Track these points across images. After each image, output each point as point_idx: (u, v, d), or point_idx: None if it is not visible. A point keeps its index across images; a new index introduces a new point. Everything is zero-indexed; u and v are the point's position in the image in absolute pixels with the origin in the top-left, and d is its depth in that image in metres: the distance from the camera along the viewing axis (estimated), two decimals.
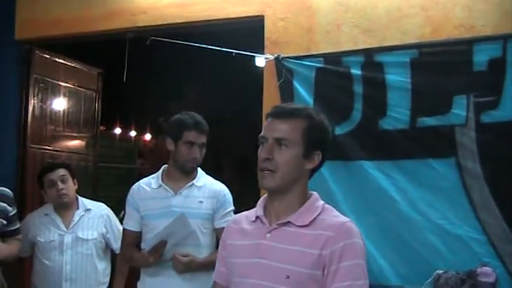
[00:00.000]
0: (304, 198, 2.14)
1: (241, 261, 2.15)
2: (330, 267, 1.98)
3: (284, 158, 2.07)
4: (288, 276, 2.00)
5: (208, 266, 3.15)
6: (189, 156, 3.25)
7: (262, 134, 2.11)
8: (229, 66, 4.75)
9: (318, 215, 2.09)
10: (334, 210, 2.15)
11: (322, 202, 2.16)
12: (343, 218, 2.09)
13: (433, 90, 3.57)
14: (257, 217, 2.18)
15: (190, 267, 3.14)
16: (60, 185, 3.88)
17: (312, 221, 2.07)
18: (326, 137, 2.18)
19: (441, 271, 3.14)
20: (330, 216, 2.10)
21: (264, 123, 2.16)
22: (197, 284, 3.22)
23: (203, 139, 3.27)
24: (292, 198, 2.12)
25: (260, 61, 4.09)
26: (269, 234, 2.10)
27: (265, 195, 2.24)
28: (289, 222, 2.08)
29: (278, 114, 2.12)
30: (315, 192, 2.19)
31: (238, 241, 2.20)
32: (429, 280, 3.14)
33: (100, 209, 4.08)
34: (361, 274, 2.00)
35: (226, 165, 7.27)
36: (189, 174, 3.32)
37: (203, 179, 3.35)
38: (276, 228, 2.10)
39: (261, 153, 2.09)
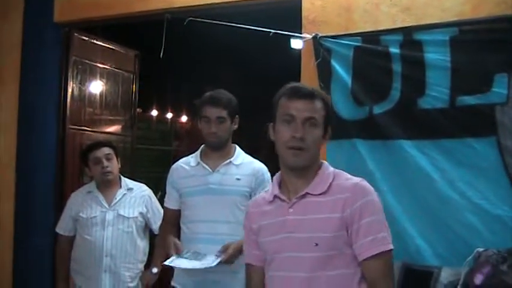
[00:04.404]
0: (317, 170, 2.26)
1: (269, 239, 2.28)
2: (352, 226, 2.13)
3: (313, 137, 2.20)
4: (317, 244, 2.13)
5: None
6: (206, 131, 3.27)
7: (288, 112, 2.21)
8: (266, 47, 4.74)
9: (332, 181, 2.21)
10: (345, 173, 2.29)
11: (332, 169, 2.30)
12: (355, 179, 2.23)
13: (473, 69, 3.50)
14: (275, 196, 2.29)
15: (237, 254, 3.11)
16: (105, 163, 3.96)
17: (328, 188, 2.19)
18: (332, 117, 2.38)
19: (481, 249, 3.10)
20: (342, 180, 2.23)
21: (283, 101, 2.25)
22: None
23: (219, 113, 3.24)
24: (309, 173, 2.24)
25: (297, 42, 4.07)
26: (291, 209, 2.22)
27: (278, 173, 2.35)
28: (306, 193, 2.21)
29: (304, 94, 2.23)
30: (324, 161, 2.32)
31: (263, 222, 2.32)
32: (469, 258, 3.10)
33: (142, 190, 4.16)
34: (381, 227, 2.15)
35: (262, 146, 7.27)
36: (217, 150, 3.32)
37: (241, 158, 3.37)
38: (296, 202, 2.22)
39: (292, 131, 2.18)
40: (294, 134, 2.16)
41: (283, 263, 2.21)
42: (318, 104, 2.22)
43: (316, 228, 2.14)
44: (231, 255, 3.07)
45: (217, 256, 3.08)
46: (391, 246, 2.14)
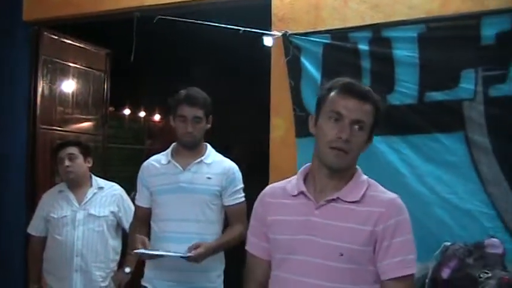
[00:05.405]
0: (352, 174, 2.14)
1: (287, 237, 2.13)
2: (381, 242, 2.02)
3: (358, 141, 2.06)
4: (342, 254, 2.01)
5: (219, 249, 3.22)
6: (182, 131, 3.24)
7: (337, 109, 2.05)
8: (238, 45, 4.74)
9: (366, 190, 2.09)
10: (379, 185, 2.16)
11: (365, 176, 2.17)
12: (391, 194, 2.12)
13: (441, 65, 3.55)
14: (300, 192, 2.16)
15: (206, 254, 3.11)
16: (67, 163, 3.94)
17: (362, 197, 2.07)
18: (380, 123, 2.17)
19: (448, 243, 3.14)
20: (378, 192, 2.12)
21: (333, 96, 2.08)
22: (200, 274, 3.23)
23: (196, 112, 3.22)
24: (344, 176, 2.11)
25: (268, 39, 4.09)
26: (317, 211, 2.09)
27: (305, 168, 2.22)
28: (338, 198, 2.08)
29: (357, 93, 2.07)
30: (358, 167, 2.18)
31: (281, 216, 2.17)
32: (436, 252, 3.15)
33: (113, 189, 4.14)
34: (411, 249, 2.06)
35: (234, 145, 7.28)
36: (191, 149, 3.30)
37: (212, 156, 3.35)
38: (324, 205, 2.09)
39: (337, 131, 2.03)
40: (340, 134, 2.01)
41: (298, 266, 2.08)
42: (369, 107, 2.07)
43: (344, 237, 2.02)
44: (200, 254, 3.04)
45: (187, 252, 3.05)
46: (415, 270, 2.08)
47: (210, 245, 3.13)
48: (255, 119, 5.30)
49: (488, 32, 3.44)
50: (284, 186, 2.23)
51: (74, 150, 3.99)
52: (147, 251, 3.07)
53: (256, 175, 4.15)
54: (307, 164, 2.23)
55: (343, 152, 2.03)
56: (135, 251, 3.11)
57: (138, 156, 9.15)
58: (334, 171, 2.09)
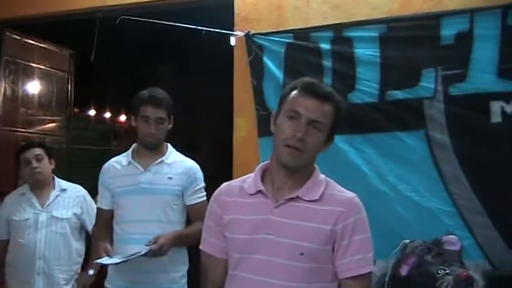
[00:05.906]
0: (310, 173, 2.13)
1: (245, 236, 2.10)
2: (341, 241, 2.02)
3: (314, 141, 2.04)
4: (302, 253, 2.00)
5: (179, 240, 3.19)
6: (145, 132, 3.22)
7: (295, 108, 2.03)
8: (202, 45, 4.74)
9: (325, 189, 2.09)
10: (336, 183, 2.16)
11: (323, 175, 2.16)
12: (349, 193, 2.12)
13: (402, 64, 3.61)
14: (258, 191, 2.13)
15: (168, 245, 3.08)
16: (35, 164, 3.89)
17: (321, 196, 2.06)
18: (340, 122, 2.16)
19: (408, 240, 3.17)
20: (336, 191, 2.11)
21: (294, 95, 2.06)
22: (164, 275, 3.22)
23: (159, 113, 3.20)
24: (302, 175, 2.09)
25: (231, 39, 4.09)
26: (277, 210, 2.07)
27: (262, 165, 2.20)
28: (297, 197, 2.06)
29: (317, 94, 2.05)
30: (316, 166, 2.17)
31: (239, 215, 2.14)
32: (396, 250, 3.17)
33: (76, 190, 4.10)
34: (370, 247, 2.06)
35: (201, 145, 7.28)
36: (152, 150, 3.28)
37: (173, 156, 3.33)
38: (283, 204, 2.07)
39: (293, 129, 2.02)
40: (296, 133, 2.00)
41: (257, 265, 2.06)
42: (329, 108, 2.05)
43: (304, 236, 2.01)
44: (161, 244, 3.01)
45: (148, 246, 3.01)
46: (373, 268, 2.09)
47: (169, 235, 3.10)
48: (221, 119, 5.30)
49: (448, 32, 3.52)
50: (240, 185, 2.20)
51: (40, 151, 3.95)
52: (108, 261, 3.04)
53: (221, 176, 4.16)
54: (264, 162, 2.22)
55: (297, 151, 2.01)
56: (96, 261, 3.10)
57: (104, 158, 9.04)
58: (291, 170, 2.08)
